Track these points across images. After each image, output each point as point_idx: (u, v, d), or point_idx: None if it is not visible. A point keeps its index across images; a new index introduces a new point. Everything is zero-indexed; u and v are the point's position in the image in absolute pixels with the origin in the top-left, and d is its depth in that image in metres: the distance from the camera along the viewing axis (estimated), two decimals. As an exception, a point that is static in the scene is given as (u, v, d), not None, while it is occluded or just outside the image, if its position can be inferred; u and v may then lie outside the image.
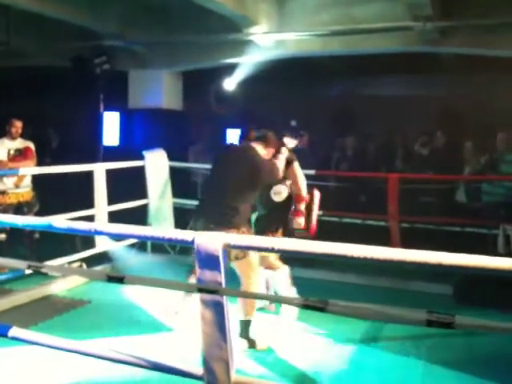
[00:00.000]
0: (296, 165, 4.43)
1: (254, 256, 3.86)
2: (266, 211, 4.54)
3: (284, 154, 4.22)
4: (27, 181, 5.96)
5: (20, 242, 5.84)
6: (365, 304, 1.88)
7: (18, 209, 5.78)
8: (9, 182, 5.81)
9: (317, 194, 4.56)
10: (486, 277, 3.49)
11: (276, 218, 4.52)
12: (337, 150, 8.76)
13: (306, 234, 4.43)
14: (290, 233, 4.42)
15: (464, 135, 8.29)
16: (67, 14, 7.78)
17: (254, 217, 4.69)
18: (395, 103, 10.86)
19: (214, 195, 3.90)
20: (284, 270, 4.52)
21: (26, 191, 5.94)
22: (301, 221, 4.41)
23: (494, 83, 9.57)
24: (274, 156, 4.16)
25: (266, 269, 4.47)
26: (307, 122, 10.20)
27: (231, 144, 4.56)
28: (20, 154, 5.96)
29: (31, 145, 6.08)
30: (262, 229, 4.44)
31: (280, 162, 4.11)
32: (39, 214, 5.77)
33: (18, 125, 5.96)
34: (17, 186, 5.85)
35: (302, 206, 4.43)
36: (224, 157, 4.12)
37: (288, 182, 4.44)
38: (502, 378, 3.52)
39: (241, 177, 3.82)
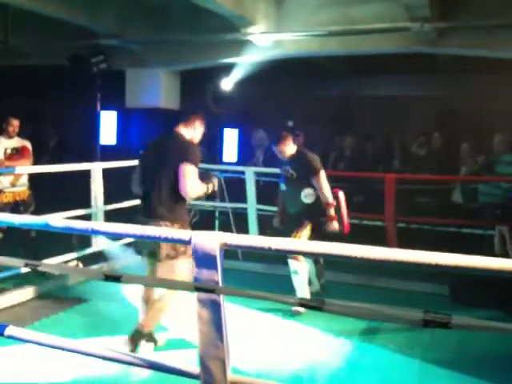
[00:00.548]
0: (322, 173, 4.70)
1: (185, 263, 3.55)
2: (296, 212, 4.75)
3: None
4: (23, 180, 5.93)
5: (16, 241, 5.82)
6: (361, 304, 1.88)
7: (15, 208, 5.76)
8: (5, 181, 5.79)
9: (341, 195, 4.81)
10: (483, 277, 3.50)
11: (306, 216, 4.76)
12: (334, 150, 8.76)
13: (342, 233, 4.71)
14: (322, 235, 4.59)
15: (461, 136, 8.31)
16: (65, 13, 7.76)
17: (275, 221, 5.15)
18: (393, 103, 10.88)
19: (148, 192, 3.83)
20: (304, 265, 4.79)
21: (22, 190, 5.92)
22: (335, 225, 4.68)
23: (491, 84, 9.60)
24: None
25: (290, 259, 4.76)
26: (304, 121, 10.23)
27: (159, 136, 4.25)
28: (17, 153, 5.93)
29: (28, 144, 6.07)
30: (292, 228, 4.67)
31: None
32: (36, 212, 5.75)
33: (15, 123, 5.93)
34: (13, 184, 5.82)
35: (332, 211, 4.68)
36: (152, 150, 3.92)
37: None
38: (498, 377, 3.54)
39: (169, 171, 3.68)
